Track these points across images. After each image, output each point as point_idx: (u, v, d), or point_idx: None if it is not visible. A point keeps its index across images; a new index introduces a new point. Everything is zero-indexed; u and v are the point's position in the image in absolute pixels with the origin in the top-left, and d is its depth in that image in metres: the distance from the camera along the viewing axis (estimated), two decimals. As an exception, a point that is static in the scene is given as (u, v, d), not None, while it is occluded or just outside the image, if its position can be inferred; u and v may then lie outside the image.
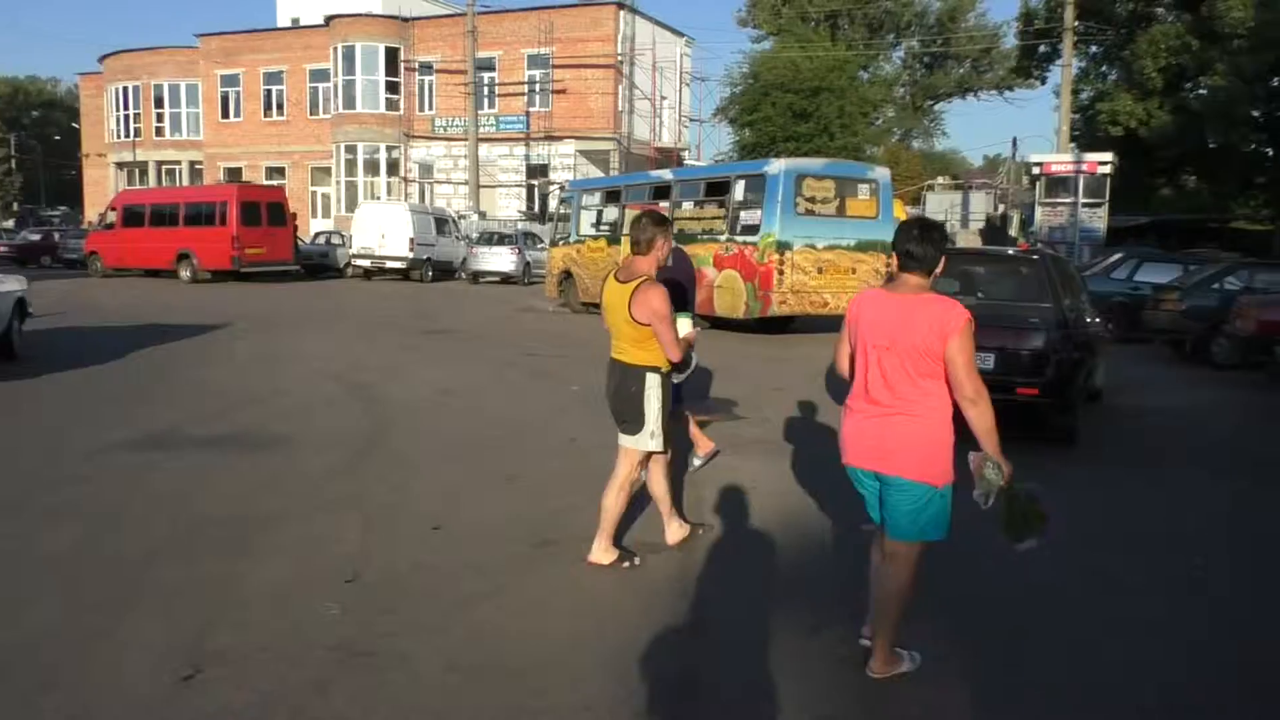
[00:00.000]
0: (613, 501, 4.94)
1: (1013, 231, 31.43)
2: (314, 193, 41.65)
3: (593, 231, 19.00)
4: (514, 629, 4.18)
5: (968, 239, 30.94)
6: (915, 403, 3.58)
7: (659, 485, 5.17)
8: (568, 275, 19.46)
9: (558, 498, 6.14)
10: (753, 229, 15.03)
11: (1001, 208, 36.18)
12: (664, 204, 17.20)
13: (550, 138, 37.41)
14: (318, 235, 33.05)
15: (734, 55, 68.84)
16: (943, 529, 3.72)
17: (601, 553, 4.95)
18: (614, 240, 17.38)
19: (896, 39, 54.76)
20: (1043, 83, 39.68)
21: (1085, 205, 25.08)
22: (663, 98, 39.64)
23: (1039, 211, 26.08)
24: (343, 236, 31.61)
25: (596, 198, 19.60)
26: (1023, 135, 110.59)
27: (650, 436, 4.83)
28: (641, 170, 27.98)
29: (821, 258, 14.97)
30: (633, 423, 4.84)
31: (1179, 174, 34.19)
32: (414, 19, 39.78)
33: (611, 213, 18.70)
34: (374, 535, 5.35)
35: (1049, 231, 25.27)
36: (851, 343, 3.79)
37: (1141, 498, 6.72)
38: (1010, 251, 10.33)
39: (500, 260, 28.58)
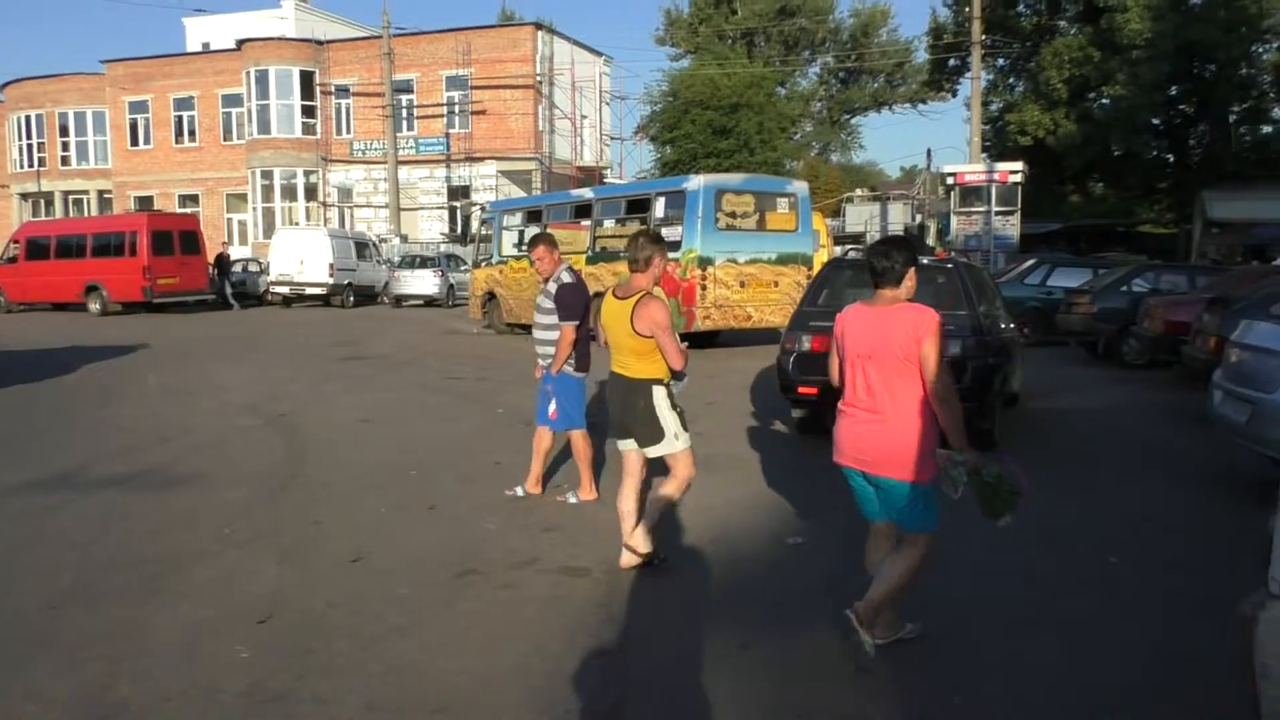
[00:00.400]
0: (673, 490, 5.11)
1: (930, 241, 32.11)
2: (230, 220, 40.70)
3: (515, 252, 18.88)
4: (436, 664, 4.05)
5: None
6: (897, 406, 3.87)
7: (626, 502, 5.23)
8: (491, 296, 19.30)
9: (480, 525, 6.02)
10: (674, 245, 15.04)
11: (919, 218, 36.95)
12: (585, 222, 17.20)
13: (471, 159, 37.14)
14: (234, 263, 32.30)
15: (653, 74, 69.68)
16: (933, 522, 3.98)
17: (644, 542, 5.10)
18: (536, 260, 17.22)
19: (812, 55, 55.70)
20: (954, 95, 40.75)
21: (998, 213, 25.73)
22: (583, 117, 39.65)
23: (954, 220, 26.68)
24: (260, 264, 30.95)
25: (518, 218, 19.50)
26: (937, 147, 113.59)
27: (675, 438, 5.00)
28: (564, 189, 27.95)
29: (744, 272, 15.07)
30: (651, 435, 5.00)
31: (1086, 181, 35.31)
32: (328, 42, 39.23)
33: (533, 232, 18.61)
34: (290, 572, 5.17)
35: (965, 240, 25.85)
36: (840, 354, 4.12)
37: (1059, 497, 6.83)
38: (926, 260, 10.47)
39: (423, 283, 28.26)
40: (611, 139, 43.58)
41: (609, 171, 41.76)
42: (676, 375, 5.07)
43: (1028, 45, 32.89)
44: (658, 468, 5.24)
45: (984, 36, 30.72)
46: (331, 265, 27.03)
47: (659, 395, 4.96)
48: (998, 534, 4.30)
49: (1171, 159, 32.44)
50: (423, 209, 38.23)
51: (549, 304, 6.34)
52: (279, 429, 9.27)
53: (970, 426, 7.84)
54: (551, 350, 6.36)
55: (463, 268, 27.78)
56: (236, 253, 35.06)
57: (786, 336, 8.45)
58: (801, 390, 8.25)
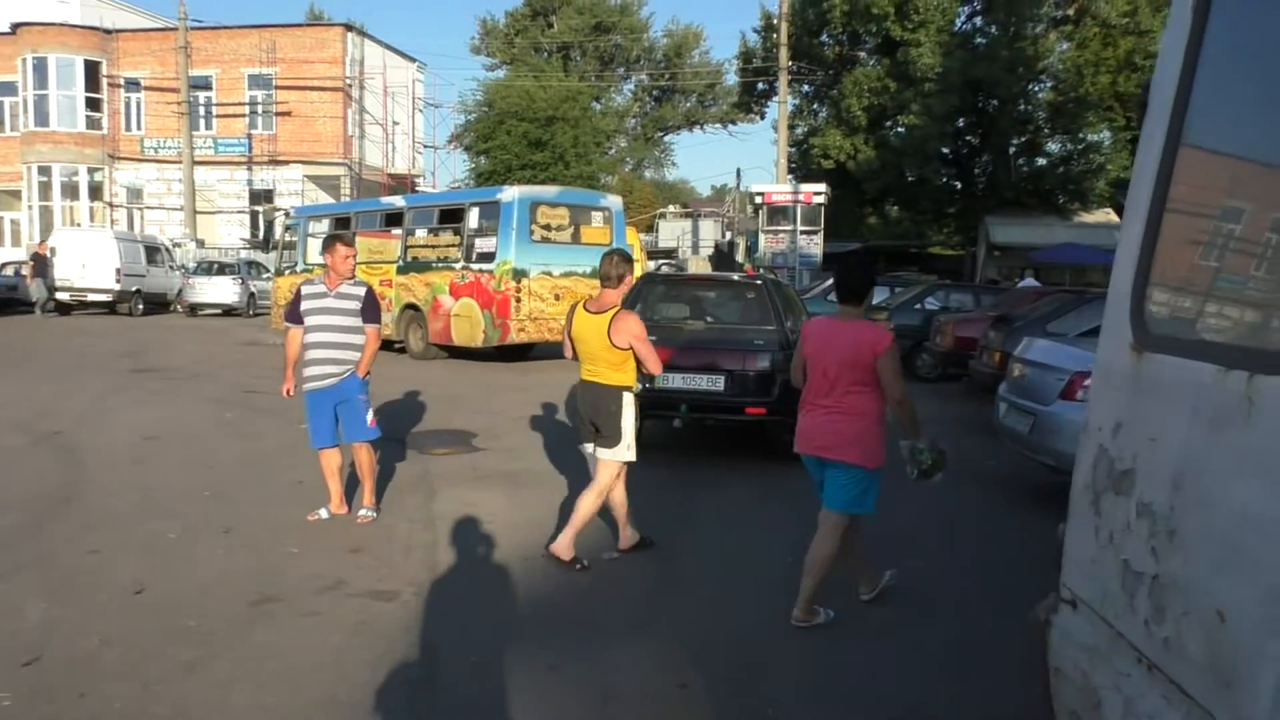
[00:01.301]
0: (589, 505, 5.47)
1: (739, 257, 33.12)
2: (1, 219, 37.30)
3: (321, 260, 18.14)
4: (230, 702, 3.75)
5: (698, 265, 32.27)
6: (850, 404, 4.51)
7: (618, 494, 5.65)
8: (296, 306, 18.44)
9: (280, 548, 5.68)
10: (489, 256, 14.87)
11: (729, 235, 38.05)
12: (397, 231, 16.73)
13: (275, 162, 35.48)
14: (4, 265, 29.56)
15: (468, 82, 68.77)
16: (871, 505, 4.65)
17: (565, 547, 5.44)
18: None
19: (627, 72, 56.47)
20: (762, 117, 42.16)
21: (803, 232, 26.82)
22: (395, 123, 38.64)
23: (762, 238, 27.60)
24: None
25: (325, 224, 18.76)
26: (746, 166, 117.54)
27: (626, 449, 5.44)
28: (374, 197, 27.13)
29: (558, 284, 15.03)
30: (611, 438, 5.39)
31: (884, 204, 37.24)
32: (117, 31, 36.52)
33: (342, 240, 18.00)
34: (61, 606, 4.68)
35: (772, 257, 26.78)
36: (804, 358, 4.73)
37: (863, 508, 7.09)
38: (735, 277, 10.75)
39: (221, 291, 26.73)
40: (425, 147, 42.76)
41: (422, 180, 40.90)
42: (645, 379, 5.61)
43: (831, 73, 34.46)
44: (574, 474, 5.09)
45: (790, 63, 31.98)
46: (118, 270, 25.13)
47: (627, 401, 5.40)
48: (799, 547, 4.40)
49: (959, 186, 34.72)
50: (221, 213, 36.20)
51: (349, 305, 6.10)
52: (53, 448, 8.48)
53: (779, 440, 8.18)
54: (352, 356, 6.13)
55: (264, 275, 26.47)
56: (7, 254, 32.17)
57: (602, 350, 8.42)
58: (616, 404, 8.24)
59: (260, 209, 35.69)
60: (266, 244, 28.72)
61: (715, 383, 7.84)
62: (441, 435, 9.37)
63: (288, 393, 6.35)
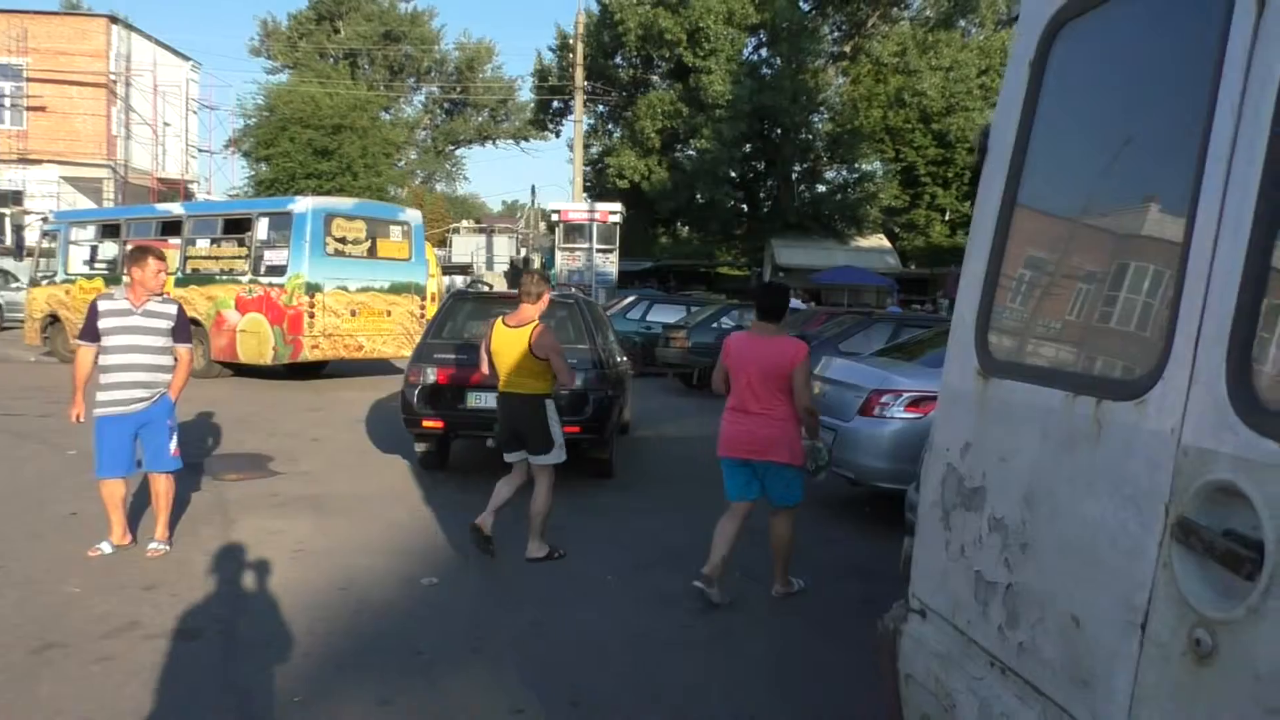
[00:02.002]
0: (542, 506, 5.95)
1: (535, 274, 33.01)
2: None
3: (86, 270, 16.78)
4: (12, 763, 3.38)
5: (493, 280, 32.03)
6: (774, 410, 5.07)
7: (506, 487, 6.08)
8: (54, 319, 16.93)
9: (59, 587, 5.17)
10: (279, 270, 14.16)
11: (524, 251, 37.98)
12: (174, 240, 15.66)
13: (26, 160, 32.38)
14: None
15: (247, 85, 65.13)
16: (800, 495, 5.33)
17: (537, 548, 5.99)
18: (114, 279, 15.20)
19: (418, 83, 55.49)
20: (557, 135, 42.60)
21: (599, 251, 27.15)
22: (166, 124, 36.20)
23: (559, 256, 27.73)
24: None
25: (90, 231, 17.34)
26: (541, 184, 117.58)
27: (560, 449, 5.95)
28: (144, 202, 25.32)
29: (354, 300, 14.53)
30: (542, 445, 5.90)
31: (675, 224, 38.35)
32: None
33: (110, 249, 16.69)
34: None
35: (569, 274, 26.96)
36: (727, 369, 5.25)
37: (678, 520, 7.23)
38: (553, 295, 10.71)
39: (-39, 302, 24.14)
40: (200, 150, 40.32)
41: (197, 186, 38.53)
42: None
43: (625, 95, 35.17)
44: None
45: (586, 83, 32.40)
46: None
47: (550, 409, 5.90)
48: (629, 560, 4.43)
49: (746, 209, 36.25)
50: (-39, 215, 32.75)
51: (159, 324, 5.70)
52: None
53: (590, 458, 8.23)
54: (163, 378, 5.75)
55: (14, 285, 24.13)
56: None
57: (410, 369, 8.21)
58: (426, 424, 8.05)
59: (7, 212, 32.50)
60: (19, 251, 26.18)
61: (529, 402, 7.79)
62: (234, 459, 8.83)
63: (78, 418, 5.78)
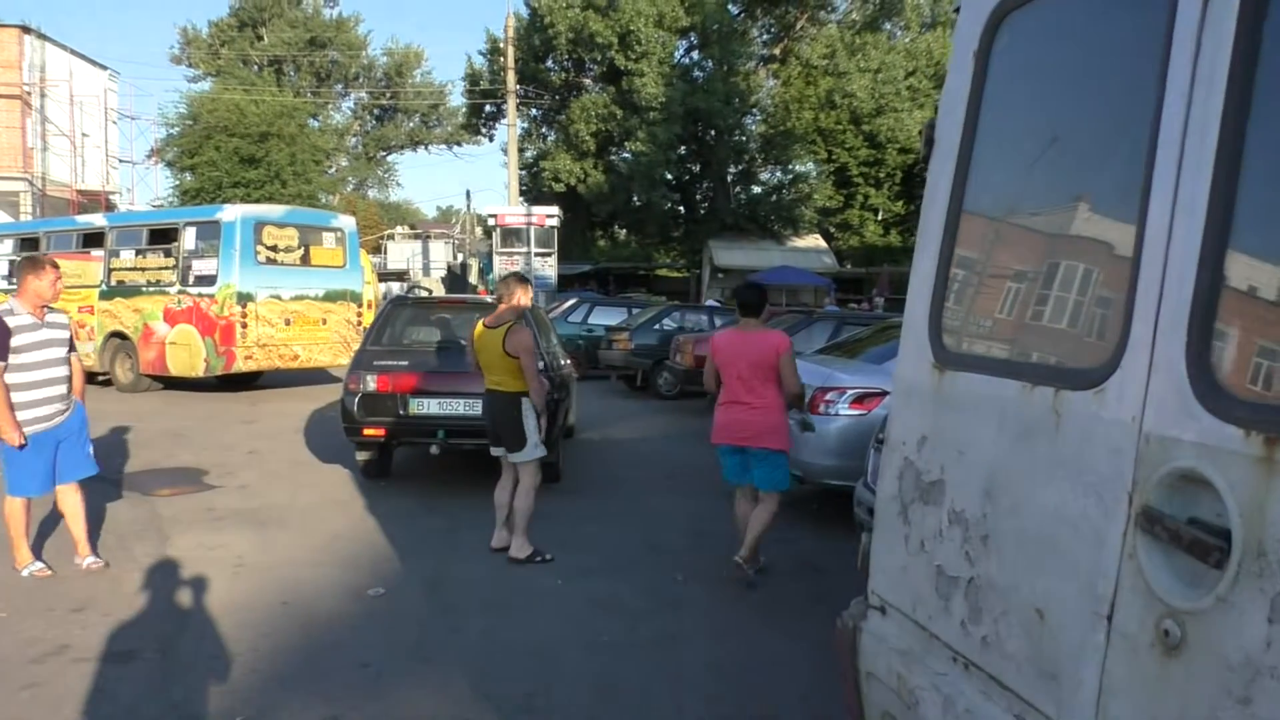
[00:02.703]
0: (525, 504, 6.05)
1: (472, 279, 32.84)
2: None
3: (3, 285, 16.20)
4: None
5: (431, 286, 31.68)
6: (764, 400, 5.44)
7: (503, 494, 6.28)
8: (-27, 337, 16.31)
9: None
10: (209, 280, 13.81)
11: (461, 256, 37.65)
12: (98, 252, 15.20)
13: (-63, 174, 31.33)
14: None
15: (169, 94, 63.42)
16: (787, 483, 5.64)
17: (520, 547, 6.03)
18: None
19: (345, 89, 54.67)
20: (491, 140, 42.31)
21: (538, 254, 27.02)
22: (85, 135, 35.17)
23: (497, 260, 27.53)
24: None
25: (8, 245, 16.76)
26: (476, 188, 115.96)
27: (536, 446, 6.07)
28: (61, 215, 24.55)
29: (289, 309, 14.22)
30: (516, 442, 6.04)
31: (613, 227, 38.29)
32: None
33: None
34: None
35: (507, 279, 26.72)
36: (716, 366, 5.60)
37: (621, 523, 7.19)
38: (490, 299, 10.60)
39: None
40: (120, 161, 39.28)
41: (119, 197, 37.50)
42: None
43: (558, 98, 35.02)
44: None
45: (518, 87, 32.21)
46: None
47: (526, 407, 6.01)
48: (576, 565, 4.36)
49: (683, 211, 36.33)
50: None
51: (61, 335, 5.57)
52: None
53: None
54: (66, 388, 5.55)
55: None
56: None
57: (350, 376, 8.04)
58: (367, 432, 7.90)
59: (-82, 226, 31.31)
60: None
61: (472, 407, 7.65)
62: (166, 474, 8.58)
63: (23, 444, 5.46)
